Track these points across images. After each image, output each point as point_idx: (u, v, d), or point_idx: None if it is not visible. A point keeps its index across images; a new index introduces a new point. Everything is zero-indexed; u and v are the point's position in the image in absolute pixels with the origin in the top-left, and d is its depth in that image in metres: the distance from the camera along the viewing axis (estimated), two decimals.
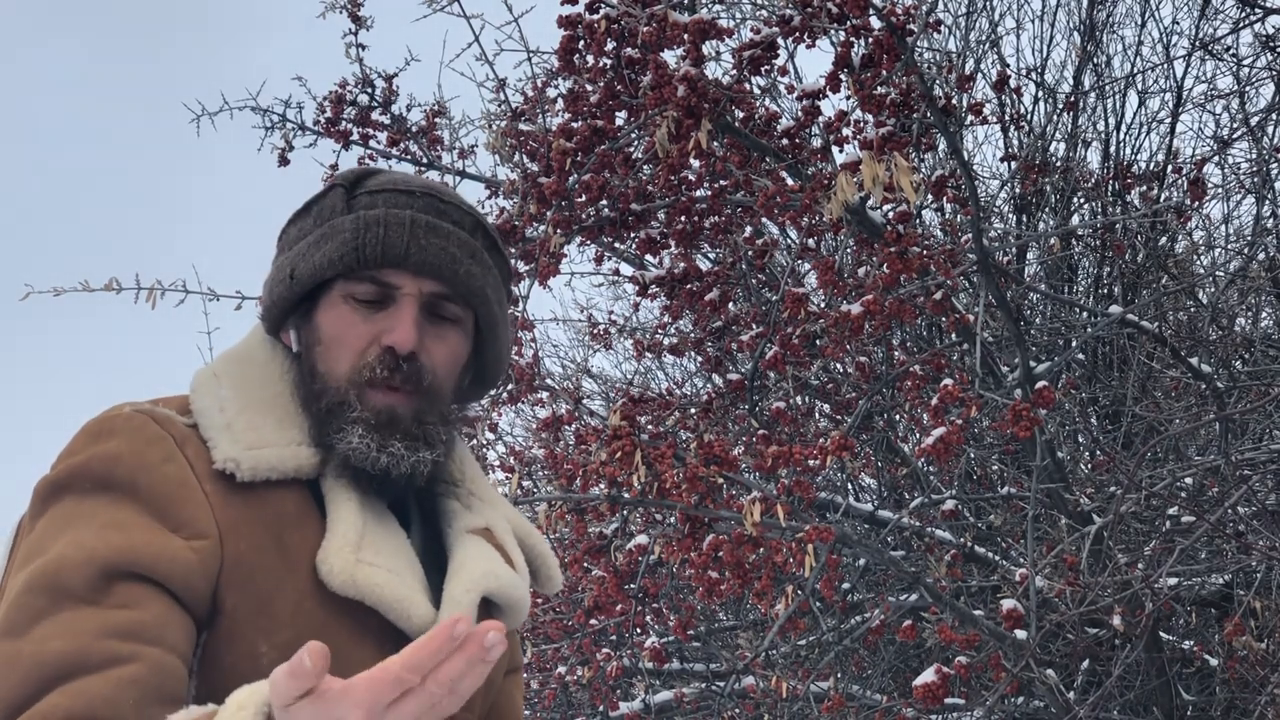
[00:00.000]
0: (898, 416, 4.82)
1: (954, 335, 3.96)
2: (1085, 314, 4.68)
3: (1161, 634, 3.69)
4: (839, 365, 4.40)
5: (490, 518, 1.26)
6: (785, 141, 3.36)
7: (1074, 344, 4.53)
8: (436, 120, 4.68)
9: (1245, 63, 4.40)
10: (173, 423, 1.09)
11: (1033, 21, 6.96)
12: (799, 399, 4.14)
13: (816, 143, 3.61)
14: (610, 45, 3.05)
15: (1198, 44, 4.75)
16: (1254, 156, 4.69)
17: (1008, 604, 3.31)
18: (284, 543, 1.07)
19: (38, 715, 0.90)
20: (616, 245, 4.34)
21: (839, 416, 4.42)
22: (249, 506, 1.07)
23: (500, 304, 1.25)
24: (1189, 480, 4.03)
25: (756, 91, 3.41)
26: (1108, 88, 5.34)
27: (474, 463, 1.31)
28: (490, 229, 1.23)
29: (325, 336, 1.15)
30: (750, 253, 4.01)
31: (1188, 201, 4.52)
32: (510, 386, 3.77)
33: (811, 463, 3.34)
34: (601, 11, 3.03)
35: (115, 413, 1.09)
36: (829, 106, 5.05)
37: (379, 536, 1.12)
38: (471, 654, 0.71)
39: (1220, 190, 4.91)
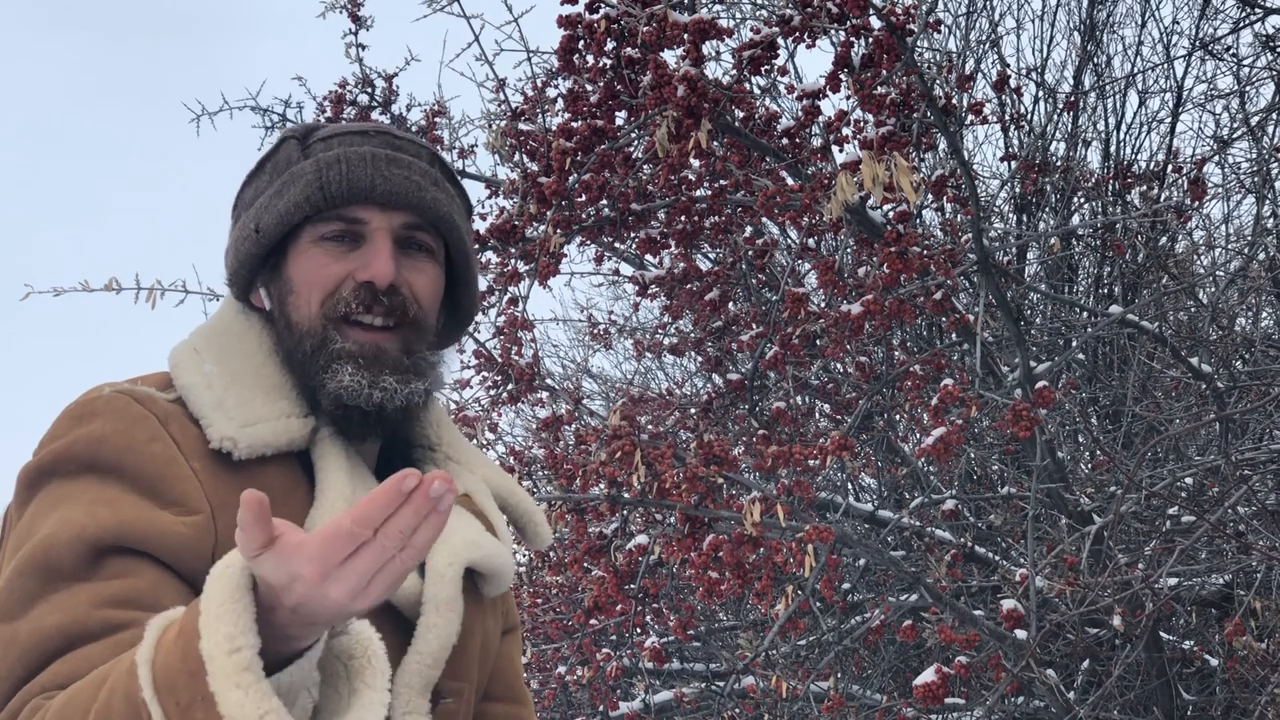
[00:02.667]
0: (898, 416, 4.82)
1: (954, 335, 3.96)
2: (1085, 314, 4.68)
3: (1161, 634, 3.69)
4: (839, 365, 4.40)
5: (469, 482, 1.26)
6: (785, 141, 3.36)
7: (1074, 344, 4.52)
8: (436, 120, 4.67)
9: (1245, 63, 4.40)
10: (155, 401, 1.08)
11: (1033, 21, 6.96)
12: (799, 399, 4.14)
13: (816, 142, 3.61)
14: (610, 45, 3.04)
15: (1198, 44, 4.75)
16: (1254, 156, 4.68)
17: (1008, 604, 3.31)
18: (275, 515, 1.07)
19: (37, 686, 0.90)
20: (616, 245, 4.34)
21: (839, 416, 4.42)
22: (239, 482, 1.06)
23: (467, 233, 1.24)
24: (1189, 480, 4.03)
25: (756, 91, 3.41)
26: (1108, 88, 5.34)
27: (451, 426, 1.31)
28: (446, 162, 1.23)
29: (297, 283, 1.14)
30: (750, 253, 4.01)
31: (1188, 201, 4.52)
32: (510, 386, 3.77)
33: (811, 463, 3.34)
34: (601, 11, 3.03)
35: (95, 394, 1.08)
36: (829, 106, 5.05)
37: None
38: (419, 505, 0.73)
39: (1220, 190, 4.91)
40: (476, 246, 3.22)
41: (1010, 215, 5.37)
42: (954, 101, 3.74)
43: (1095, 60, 5.39)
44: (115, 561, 0.97)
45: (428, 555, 1.14)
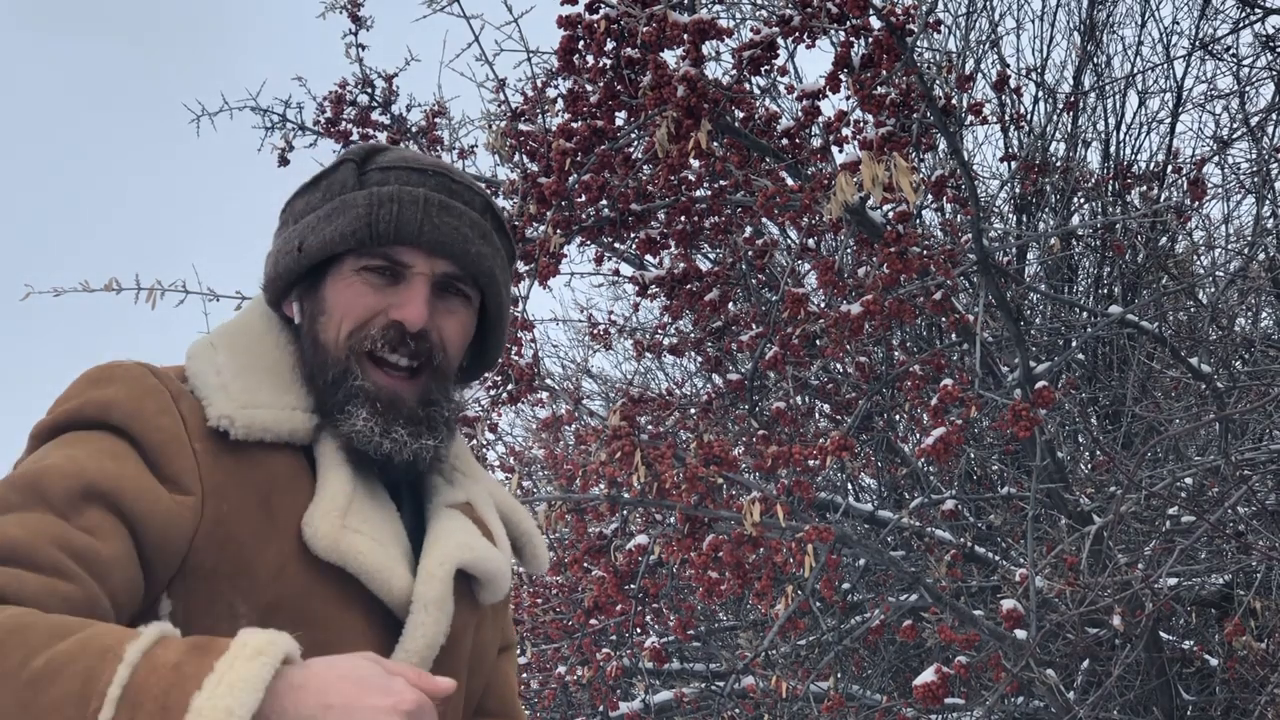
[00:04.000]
0: (898, 416, 4.82)
1: (954, 335, 3.96)
2: (1085, 314, 4.68)
3: (1161, 634, 3.69)
4: (839, 365, 4.40)
5: (472, 492, 1.27)
6: (785, 141, 3.36)
7: (1074, 344, 4.52)
8: (436, 120, 4.67)
9: (1245, 63, 4.40)
10: (171, 380, 1.09)
11: (1033, 21, 6.97)
12: (799, 399, 4.14)
13: (816, 143, 3.61)
14: (610, 45, 3.04)
15: (1198, 44, 4.75)
16: (1254, 156, 4.69)
17: (1008, 604, 3.31)
18: (271, 505, 1.07)
19: None
20: (616, 245, 4.34)
21: (839, 416, 4.42)
22: (239, 467, 1.07)
23: (506, 286, 1.25)
24: (1189, 480, 4.03)
25: (756, 91, 3.41)
26: (1108, 88, 5.34)
27: (460, 438, 1.31)
28: (498, 210, 1.23)
29: (330, 307, 1.15)
30: (750, 253, 4.01)
31: (1188, 201, 4.52)
32: (510, 386, 3.77)
33: (811, 463, 3.35)
34: (601, 11, 3.03)
35: (116, 363, 1.09)
36: (829, 106, 5.05)
37: (367, 506, 1.12)
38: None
39: (1220, 190, 4.91)
40: None
41: (1010, 215, 5.37)
42: (954, 102, 3.74)
43: (1095, 60, 5.39)
44: (95, 514, 0.97)
45: (422, 555, 1.15)
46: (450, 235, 1.15)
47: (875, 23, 2.89)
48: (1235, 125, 4.80)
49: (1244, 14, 3.96)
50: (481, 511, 1.26)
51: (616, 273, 5.17)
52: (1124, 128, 5.35)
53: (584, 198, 3.33)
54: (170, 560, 1.02)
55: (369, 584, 1.08)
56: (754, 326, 4.01)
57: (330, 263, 1.16)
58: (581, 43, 3.10)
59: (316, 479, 1.11)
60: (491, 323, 1.25)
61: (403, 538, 1.15)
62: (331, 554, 1.06)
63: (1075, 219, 5.19)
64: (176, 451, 1.04)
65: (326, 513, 1.08)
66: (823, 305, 3.70)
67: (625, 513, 4.16)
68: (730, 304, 4.10)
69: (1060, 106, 5.27)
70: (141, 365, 1.09)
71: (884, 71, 2.89)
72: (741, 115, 3.27)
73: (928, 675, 3.07)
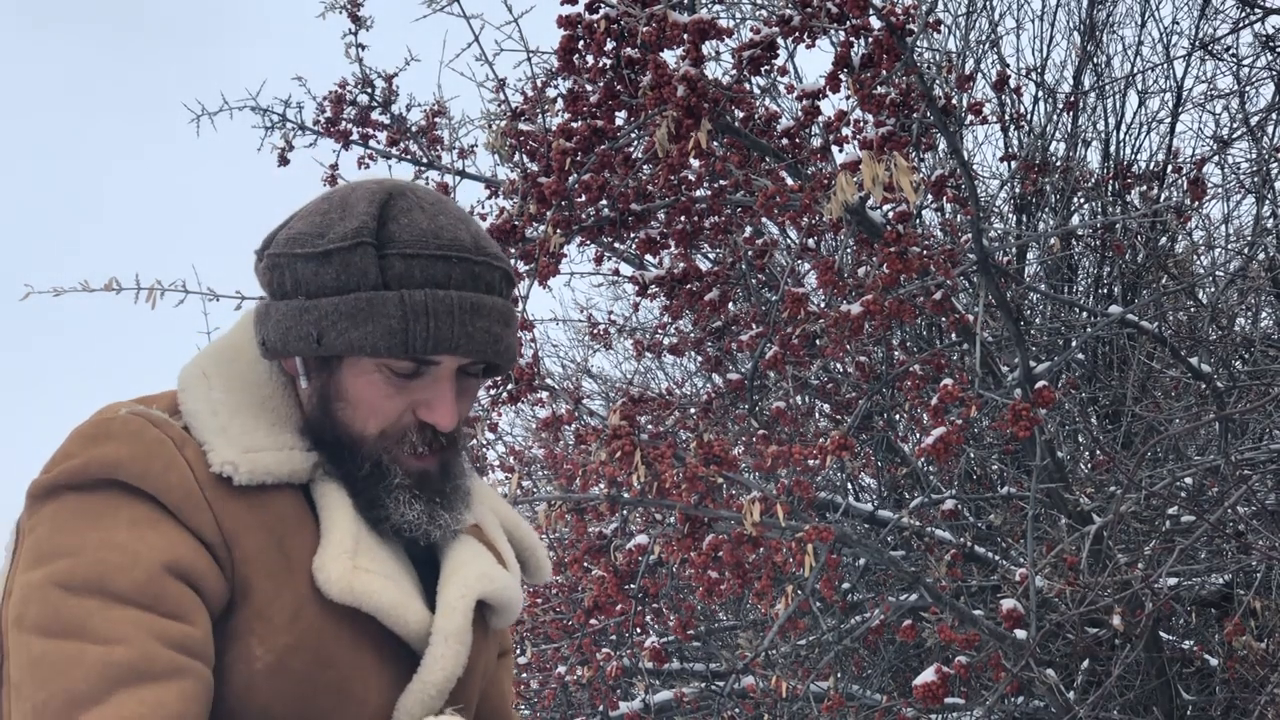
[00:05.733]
0: (898, 416, 4.82)
1: (954, 335, 3.95)
2: (1085, 314, 4.68)
3: (1161, 634, 3.69)
4: (839, 365, 4.40)
5: (479, 513, 1.26)
6: (785, 141, 3.36)
7: (1074, 344, 4.52)
8: (436, 120, 4.67)
9: (1245, 63, 4.40)
10: (170, 425, 1.07)
11: (1033, 21, 6.96)
12: (799, 399, 4.13)
13: (816, 143, 3.61)
14: (610, 45, 3.04)
15: (1198, 44, 4.75)
16: (1254, 156, 4.68)
17: (1008, 604, 3.31)
18: (284, 547, 1.07)
19: (112, 715, 0.89)
20: (616, 245, 4.34)
21: (839, 416, 4.42)
22: (248, 511, 1.06)
23: (517, 343, 1.24)
24: (1189, 480, 4.03)
25: (756, 91, 3.41)
26: (1108, 88, 5.34)
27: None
28: (508, 267, 1.18)
29: (352, 399, 1.12)
30: (750, 253, 4.01)
31: (1188, 201, 4.52)
32: (510, 386, 3.77)
33: (811, 463, 3.34)
34: (601, 11, 3.03)
35: (110, 415, 1.06)
36: (829, 106, 5.05)
37: (373, 542, 1.12)
38: None
39: (1220, 190, 4.91)
40: None
41: (1010, 215, 5.37)
42: (954, 101, 3.74)
43: (1095, 60, 5.39)
44: (174, 593, 0.97)
45: (439, 586, 1.15)
46: (483, 339, 1.11)
47: (875, 23, 2.89)
48: (1235, 125, 4.80)
49: (1244, 14, 3.96)
50: (490, 533, 1.26)
51: (616, 273, 5.17)
52: (1124, 128, 5.36)
53: (584, 198, 3.33)
54: (220, 611, 1.03)
55: (384, 621, 1.08)
56: (754, 326, 4.01)
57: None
58: (581, 43, 3.10)
59: (319, 518, 1.11)
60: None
61: (410, 569, 1.15)
62: (346, 597, 1.06)
63: (1075, 219, 5.19)
64: (194, 506, 1.03)
65: (336, 556, 1.07)
66: (823, 305, 3.70)
67: (625, 512, 4.16)
68: (730, 304, 4.10)
69: (1060, 106, 5.27)
70: (138, 417, 1.06)
71: (884, 71, 2.89)
72: (741, 115, 3.27)
73: (928, 675, 3.07)
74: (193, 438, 1.07)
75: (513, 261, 3.53)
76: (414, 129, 4.67)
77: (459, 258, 1.11)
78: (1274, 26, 6.10)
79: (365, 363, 1.11)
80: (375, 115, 4.66)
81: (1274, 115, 4.52)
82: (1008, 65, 5.09)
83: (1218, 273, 4.86)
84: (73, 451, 1.03)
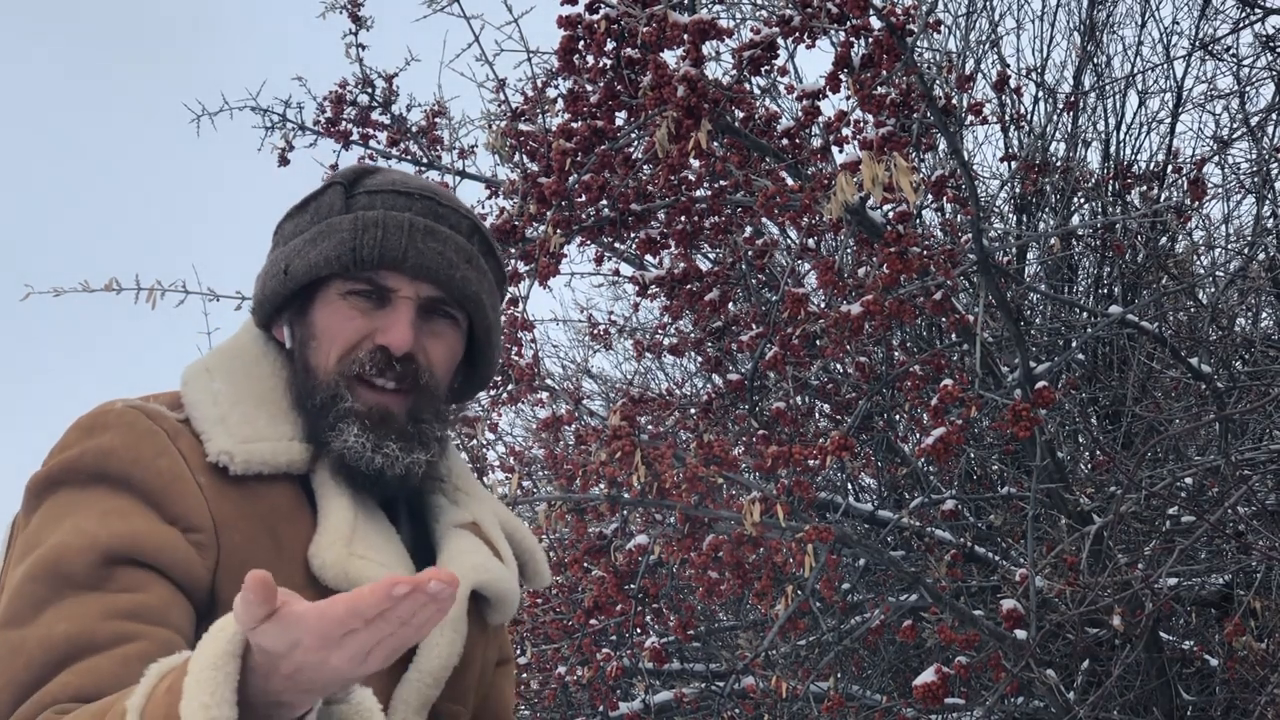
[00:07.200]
0: (898, 416, 4.82)
1: (954, 335, 3.95)
2: (1085, 314, 4.68)
3: (1161, 634, 3.69)
4: (839, 365, 4.40)
5: (477, 512, 1.27)
6: (785, 141, 3.36)
7: (1074, 344, 4.52)
8: (436, 120, 4.68)
9: (1245, 63, 4.40)
10: (164, 417, 1.09)
11: (1033, 21, 6.96)
12: (799, 399, 4.13)
13: (816, 143, 3.61)
14: (610, 45, 3.04)
15: (1198, 44, 4.75)
16: (1254, 156, 4.68)
17: (1008, 604, 3.31)
18: (277, 535, 1.08)
19: (48, 695, 0.90)
20: (616, 245, 4.34)
21: (839, 416, 4.42)
22: (243, 500, 1.07)
23: (494, 309, 1.25)
24: (1189, 480, 4.03)
25: (756, 92, 3.41)
26: (1108, 88, 5.34)
27: (459, 458, 1.32)
28: (487, 233, 1.23)
29: (319, 331, 1.16)
30: (750, 253, 4.01)
31: (1188, 201, 4.52)
32: (510, 386, 3.77)
33: (811, 463, 3.34)
34: (601, 11, 3.03)
35: (107, 408, 1.09)
36: (829, 106, 5.04)
37: (370, 531, 1.12)
38: (415, 601, 0.72)
39: (1220, 190, 4.91)
40: None
41: (1010, 215, 5.37)
42: (954, 102, 3.74)
43: (1095, 60, 5.39)
44: (126, 573, 0.98)
45: None
46: (434, 260, 1.15)
47: (875, 23, 2.89)
48: (1235, 125, 4.80)
49: (1244, 14, 3.96)
50: (488, 531, 1.26)
51: (616, 273, 5.17)
52: (1124, 128, 5.36)
53: (584, 198, 3.33)
54: (201, 596, 1.03)
55: None
56: (754, 326, 4.01)
57: (318, 286, 1.17)
58: (581, 43, 3.10)
59: (316, 508, 1.11)
60: (480, 344, 1.25)
61: (407, 560, 1.15)
62: (341, 582, 1.07)
63: (1075, 219, 5.19)
64: (181, 490, 1.04)
65: (332, 542, 1.08)
66: (823, 305, 3.69)
67: (625, 513, 4.16)
68: (730, 304, 4.10)
69: (1060, 106, 5.27)
70: (133, 409, 1.09)
71: (884, 71, 2.89)
72: (741, 115, 3.27)
73: (928, 675, 3.07)
74: (190, 430, 1.09)
75: (513, 261, 3.53)
76: (414, 129, 4.67)
77: (422, 195, 1.18)
78: (1274, 26, 6.10)
79: (332, 294, 1.15)
80: (375, 115, 4.67)
81: (1274, 115, 4.52)
82: (1008, 65, 5.09)
83: (1218, 273, 4.86)
84: (70, 442, 1.07)
